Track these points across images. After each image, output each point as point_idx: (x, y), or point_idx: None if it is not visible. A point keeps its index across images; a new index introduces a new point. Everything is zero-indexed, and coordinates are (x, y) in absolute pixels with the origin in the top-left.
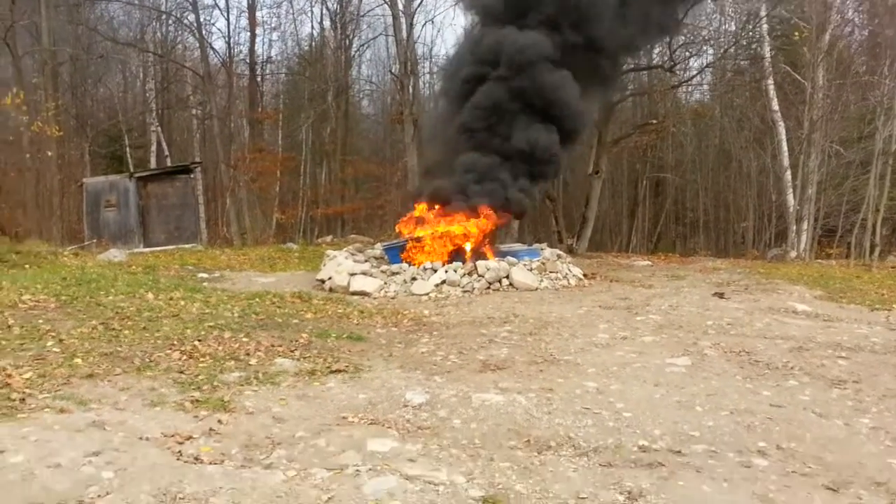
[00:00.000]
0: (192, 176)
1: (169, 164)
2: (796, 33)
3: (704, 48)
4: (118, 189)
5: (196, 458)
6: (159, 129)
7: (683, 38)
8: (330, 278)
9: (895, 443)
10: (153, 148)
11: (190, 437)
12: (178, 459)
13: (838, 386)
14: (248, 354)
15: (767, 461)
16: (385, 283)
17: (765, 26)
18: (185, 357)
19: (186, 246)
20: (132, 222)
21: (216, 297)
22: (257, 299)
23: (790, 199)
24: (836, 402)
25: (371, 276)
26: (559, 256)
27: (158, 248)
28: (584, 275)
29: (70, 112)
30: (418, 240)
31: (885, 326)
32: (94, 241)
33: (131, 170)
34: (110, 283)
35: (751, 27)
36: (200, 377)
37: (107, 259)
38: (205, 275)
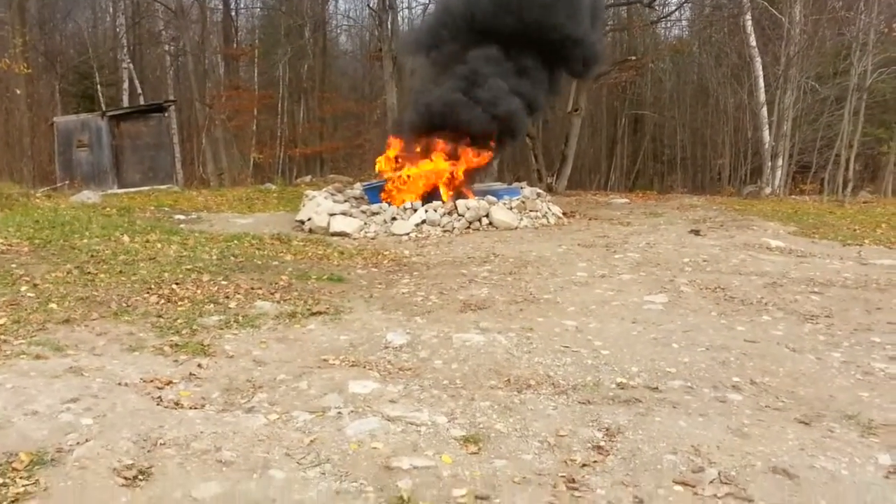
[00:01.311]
0: (166, 115)
1: (142, 102)
2: None
3: None
4: (90, 128)
5: (176, 403)
6: (131, 65)
7: None
8: (309, 219)
9: (865, 376)
10: (125, 86)
11: (170, 382)
12: (157, 405)
13: (811, 321)
14: (227, 297)
15: (742, 396)
16: (365, 224)
17: None
18: (162, 301)
19: (162, 187)
20: (105, 162)
21: (193, 240)
22: (236, 241)
23: (766, 136)
24: (808, 336)
25: (351, 216)
26: (539, 195)
27: (133, 190)
28: (564, 213)
29: (38, 49)
30: (399, 179)
31: (857, 261)
32: (67, 182)
33: (103, 108)
34: (84, 226)
35: None
36: (179, 321)
37: (80, 201)
38: (181, 216)
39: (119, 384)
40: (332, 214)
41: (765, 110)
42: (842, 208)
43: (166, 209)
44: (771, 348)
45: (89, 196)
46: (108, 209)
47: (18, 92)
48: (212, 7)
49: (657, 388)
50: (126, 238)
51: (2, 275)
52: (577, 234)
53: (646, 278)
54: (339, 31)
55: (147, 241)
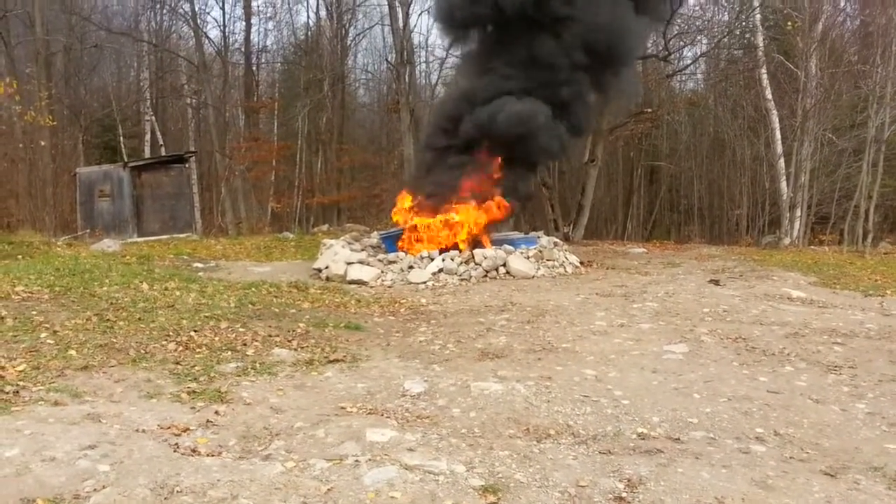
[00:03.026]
0: (186, 165)
1: (163, 153)
2: (789, 23)
3: (698, 38)
4: (112, 179)
5: (193, 451)
6: (153, 118)
7: (677, 27)
8: (327, 267)
9: (891, 428)
10: (147, 137)
11: (187, 429)
12: (174, 451)
13: (834, 371)
14: (244, 345)
15: (765, 447)
16: (382, 272)
17: (758, 16)
18: (181, 348)
19: (181, 236)
20: (126, 212)
21: (212, 287)
22: (253, 289)
23: (783, 187)
24: (832, 387)
25: (368, 264)
26: (556, 244)
27: (153, 238)
28: (581, 262)
29: (63, 102)
30: (415, 228)
31: (880, 312)
32: (88, 231)
33: (125, 159)
34: (104, 274)
35: (744, 17)
36: (197, 368)
37: (100, 249)
38: (200, 265)
39: (136, 431)
40: (349, 263)
41: (782, 162)
42: (862, 259)
43: (185, 257)
44: (794, 399)
45: (109, 245)
46: (127, 257)
47: (43, 144)
48: (233, 62)
49: (679, 438)
50: (145, 286)
51: (22, 322)
52: (594, 283)
53: (665, 328)
54: (357, 85)
55: (166, 289)
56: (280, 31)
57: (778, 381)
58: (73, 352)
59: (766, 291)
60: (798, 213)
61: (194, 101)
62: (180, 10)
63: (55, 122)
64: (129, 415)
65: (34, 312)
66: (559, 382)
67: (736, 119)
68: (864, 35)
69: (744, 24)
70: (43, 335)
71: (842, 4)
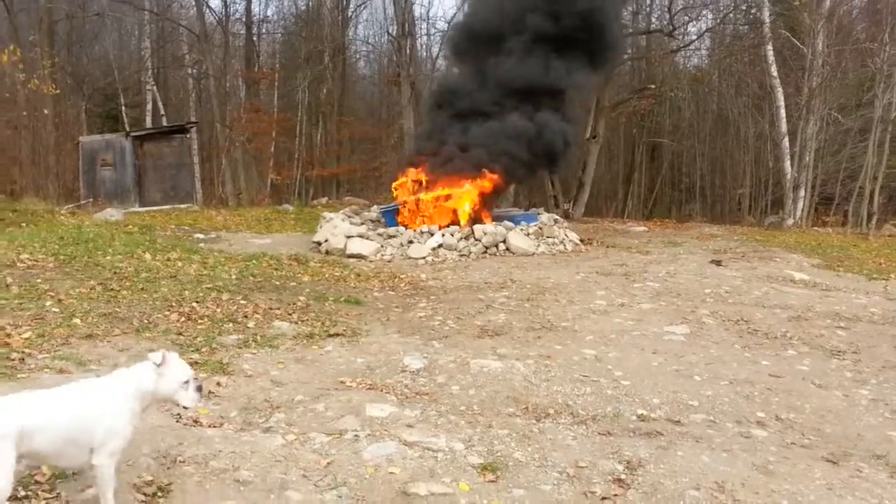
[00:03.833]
0: (188, 136)
1: (164, 123)
2: None
3: (703, 13)
4: (114, 148)
5: (195, 421)
6: (155, 88)
7: (682, 2)
8: (326, 241)
9: (894, 415)
10: (149, 107)
11: None
12: (177, 422)
13: (837, 356)
14: (245, 317)
15: (767, 432)
16: (382, 246)
17: None
18: (183, 319)
19: (182, 206)
20: (128, 181)
21: (213, 259)
22: (254, 261)
23: (787, 166)
24: (834, 372)
25: (368, 238)
26: (556, 221)
27: (154, 208)
28: (581, 240)
29: (66, 70)
30: (416, 203)
31: (884, 296)
32: (91, 199)
33: (127, 129)
34: (108, 243)
35: None
36: (199, 339)
37: (103, 218)
38: (201, 235)
39: None
40: (349, 237)
41: (786, 141)
42: (866, 241)
43: (186, 228)
44: (796, 384)
45: (112, 214)
46: (130, 227)
47: (46, 112)
48: (234, 32)
49: (679, 421)
50: (148, 256)
51: (28, 289)
52: (594, 261)
53: (666, 308)
54: (357, 57)
55: (168, 260)
56: (281, 2)
57: (780, 365)
58: (77, 320)
59: (769, 273)
60: (802, 193)
61: (195, 71)
62: None
63: (58, 91)
64: None
65: (39, 280)
66: (559, 361)
67: (740, 96)
68: (873, 12)
69: None
70: (48, 303)
71: None
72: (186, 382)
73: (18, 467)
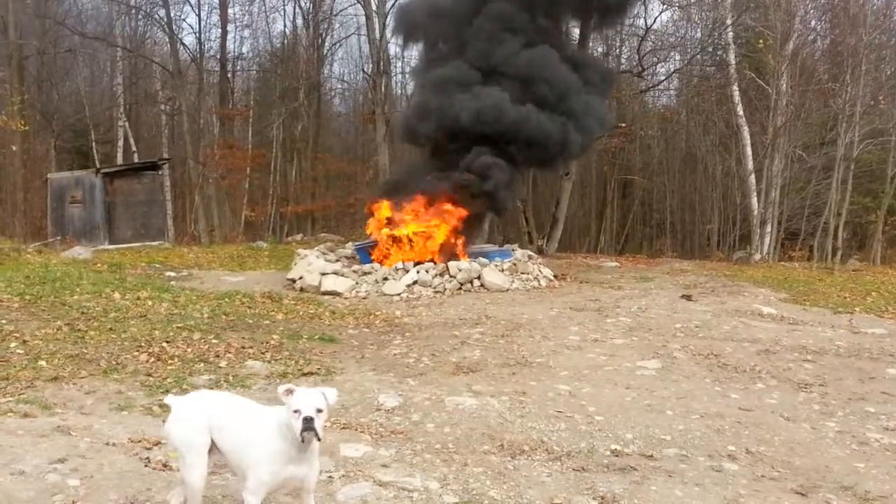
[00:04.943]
0: (160, 172)
1: (136, 160)
2: (761, 41)
3: (671, 54)
4: (84, 185)
5: (164, 465)
6: (126, 124)
7: (651, 44)
8: (301, 278)
9: (861, 447)
10: (120, 143)
11: (158, 443)
12: (145, 466)
13: (805, 389)
14: (217, 356)
15: (738, 465)
16: (356, 283)
17: (730, 33)
18: (152, 359)
19: (153, 243)
20: (98, 218)
21: (184, 297)
22: (227, 299)
23: (754, 203)
24: (803, 405)
25: (342, 275)
26: (530, 257)
27: (124, 246)
28: (555, 276)
29: (36, 106)
30: (390, 239)
31: (849, 330)
32: (59, 238)
33: (97, 165)
34: (75, 282)
35: (716, 34)
36: (169, 380)
37: (71, 256)
38: (172, 273)
39: (107, 444)
40: (323, 274)
41: (753, 178)
42: (831, 276)
43: (157, 266)
44: (766, 417)
45: (80, 252)
46: (99, 265)
47: (14, 149)
48: (208, 69)
49: (652, 455)
50: (117, 295)
51: None
52: (568, 296)
53: (638, 343)
54: (333, 94)
55: (138, 299)
56: (256, 39)
57: (749, 399)
58: (43, 362)
59: (738, 307)
60: (769, 228)
61: (168, 107)
62: (156, 16)
63: (27, 127)
64: (100, 427)
65: (3, 321)
66: (533, 397)
67: (708, 135)
68: (834, 54)
69: (716, 41)
70: (13, 345)
71: (812, 24)
72: (296, 412)
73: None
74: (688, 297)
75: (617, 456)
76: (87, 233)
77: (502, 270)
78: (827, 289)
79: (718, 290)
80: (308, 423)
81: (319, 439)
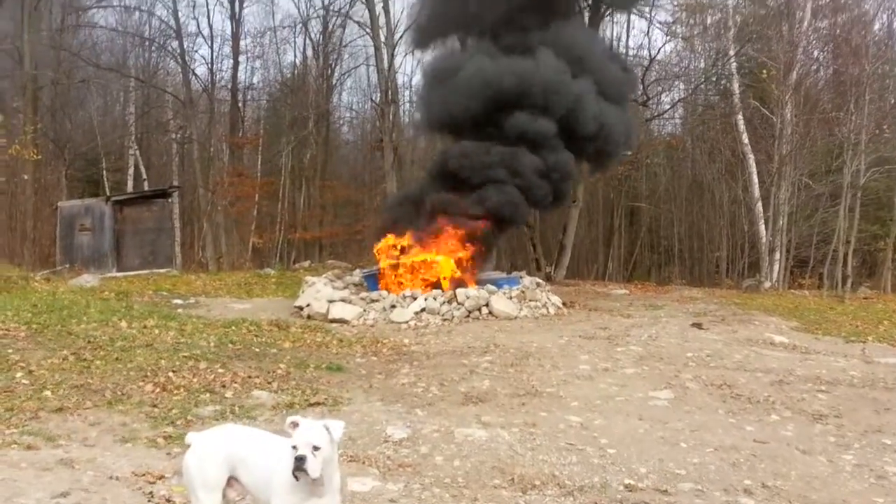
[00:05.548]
0: (169, 200)
1: (146, 188)
2: (764, 71)
3: (676, 83)
4: (93, 213)
5: (167, 500)
6: (138, 152)
7: (656, 73)
8: (308, 305)
9: (879, 480)
10: (131, 171)
11: (162, 477)
12: (149, 501)
13: (820, 421)
14: (223, 386)
15: (754, 500)
16: (364, 311)
17: (733, 64)
18: (158, 389)
19: (161, 271)
20: (106, 246)
21: (191, 325)
22: (233, 327)
23: (762, 230)
24: (818, 437)
25: (350, 303)
26: (538, 285)
27: (132, 273)
28: (563, 303)
29: (48, 136)
30: (397, 267)
31: (862, 359)
32: (67, 266)
33: (108, 193)
34: (82, 311)
35: (720, 64)
36: (174, 411)
37: (79, 285)
38: (179, 301)
39: (110, 478)
40: (331, 301)
41: (760, 205)
42: (842, 304)
43: (164, 293)
44: (781, 450)
45: (88, 280)
46: (106, 293)
47: (26, 177)
48: (220, 99)
49: (667, 490)
50: (123, 323)
51: None
52: (577, 324)
53: (650, 373)
54: (341, 122)
55: (144, 327)
56: (267, 69)
57: (764, 431)
58: (48, 392)
59: (749, 336)
60: (777, 256)
61: (179, 135)
62: (169, 48)
63: (40, 156)
64: (104, 460)
65: (10, 351)
66: (544, 429)
67: (714, 162)
68: (838, 83)
69: (720, 71)
70: (18, 375)
71: (815, 54)
72: (294, 448)
73: (231, 493)
74: (698, 326)
75: (631, 491)
76: (96, 260)
77: (511, 298)
78: (838, 317)
79: (729, 318)
80: (299, 463)
81: (314, 479)
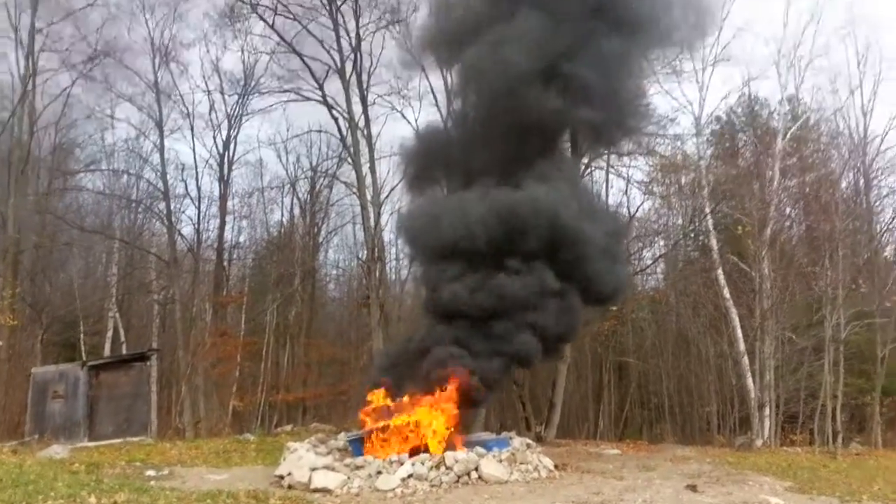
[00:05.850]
0: (147, 363)
1: (125, 350)
2: (739, 228)
3: (656, 239)
4: (67, 379)
5: None
6: (117, 314)
7: (636, 231)
8: (289, 474)
9: None
10: (109, 334)
11: None
12: None
13: None
14: None
15: None
16: (348, 478)
17: (710, 220)
18: None
19: (134, 439)
20: (79, 414)
21: (164, 499)
22: (209, 500)
23: (750, 384)
24: None
25: (334, 470)
26: (528, 446)
27: (105, 442)
28: (555, 465)
29: (26, 300)
30: (384, 429)
31: None
32: (36, 436)
33: (83, 357)
34: (49, 485)
35: (696, 222)
36: None
37: (48, 456)
38: (153, 472)
39: None
40: (313, 469)
41: (746, 359)
42: (834, 461)
43: (138, 464)
44: None
45: (57, 451)
46: (76, 465)
47: (1, 344)
48: (205, 258)
49: None
50: (92, 499)
51: None
52: (570, 488)
53: None
54: (328, 280)
55: (114, 502)
56: (253, 228)
57: None
58: None
59: (745, 499)
60: (767, 412)
61: (161, 296)
62: (156, 209)
63: (16, 322)
64: None
65: None
66: None
67: (698, 317)
68: (812, 239)
69: (697, 227)
70: None
71: (787, 211)
72: None
73: None
74: (693, 488)
75: None
76: (67, 429)
77: (501, 461)
78: (831, 475)
79: (723, 479)
80: None
81: None
